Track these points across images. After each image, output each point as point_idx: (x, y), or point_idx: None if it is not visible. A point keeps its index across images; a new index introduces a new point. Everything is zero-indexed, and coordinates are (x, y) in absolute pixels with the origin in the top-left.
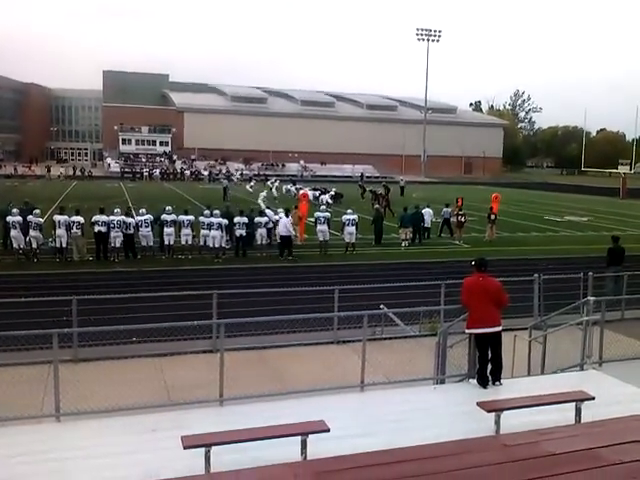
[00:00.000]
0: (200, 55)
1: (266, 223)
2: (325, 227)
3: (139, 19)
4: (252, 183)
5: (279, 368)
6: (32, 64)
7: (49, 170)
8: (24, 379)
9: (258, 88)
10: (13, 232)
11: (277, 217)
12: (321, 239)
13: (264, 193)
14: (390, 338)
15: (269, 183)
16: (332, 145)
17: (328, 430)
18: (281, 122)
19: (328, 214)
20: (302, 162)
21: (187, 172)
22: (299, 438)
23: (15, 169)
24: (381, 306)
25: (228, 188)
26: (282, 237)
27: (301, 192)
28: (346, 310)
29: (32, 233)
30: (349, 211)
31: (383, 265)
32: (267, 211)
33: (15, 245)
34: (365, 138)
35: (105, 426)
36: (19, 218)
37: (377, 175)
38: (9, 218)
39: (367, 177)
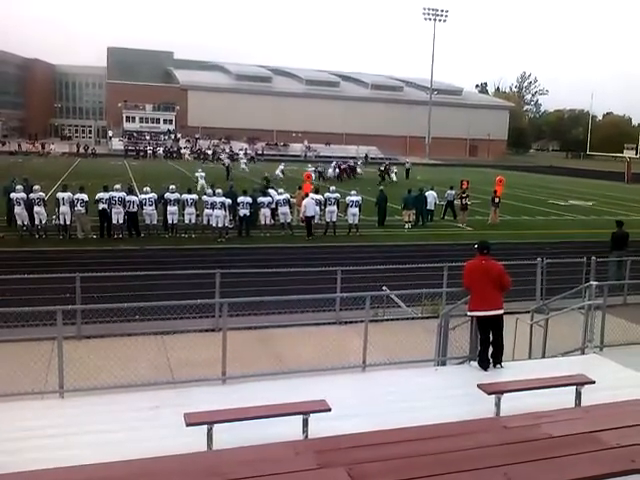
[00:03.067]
0: (205, 33)
1: (269, 203)
2: (334, 208)
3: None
4: (244, 161)
5: (281, 348)
6: (36, 40)
7: (43, 147)
8: (28, 355)
9: (263, 67)
10: (17, 209)
11: (282, 197)
12: (328, 220)
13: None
14: (392, 320)
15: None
16: (336, 125)
17: (329, 410)
18: (285, 101)
19: (338, 195)
20: (306, 142)
21: (186, 152)
22: (300, 417)
23: (19, 145)
24: (383, 288)
25: (231, 167)
26: (308, 217)
27: (305, 173)
28: (349, 291)
29: (36, 209)
30: (353, 192)
31: (386, 247)
32: (270, 191)
33: (19, 222)
34: (370, 119)
35: (108, 402)
36: (23, 195)
37: (381, 156)
38: (13, 195)
39: (371, 158)
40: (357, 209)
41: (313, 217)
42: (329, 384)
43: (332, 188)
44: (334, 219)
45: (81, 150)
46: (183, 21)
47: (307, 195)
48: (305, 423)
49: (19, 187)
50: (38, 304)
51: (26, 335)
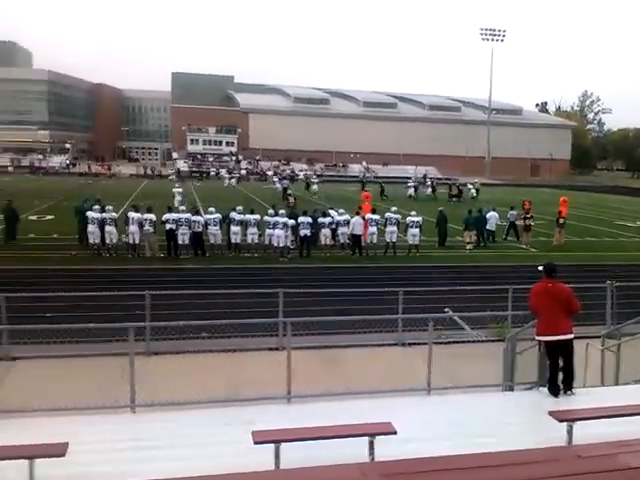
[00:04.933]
0: (264, 57)
1: (330, 223)
2: (395, 228)
3: (205, 22)
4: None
5: (345, 368)
6: (104, 65)
7: (110, 168)
8: (100, 370)
9: (320, 89)
10: (90, 227)
11: (342, 217)
12: (388, 240)
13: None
14: (456, 342)
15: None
16: (394, 146)
17: (395, 432)
18: (343, 123)
19: (399, 215)
20: (364, 163)
21: (243, 172)
22: (366, 439)
23: (89, 167)
24: (446, 309)
25: (289, 188)
26: (354, 236)
27: (364, 193)
28: (411, 312)
29: (107, 229)
30: (413, 213)
31: (447, 268)
32: (331, 211)
33: (91, 240)
34: (427, 139)
35: (178, 418)
36: (98, 214)
37: (439, 177)
38: (89, 214)
39: (430, 178)
40: (417, 229)
41: (360, 236)
42: (394, 406)
43: (393, 208)
44: (394, 239)
45: (148, 172)
46: (243, 46)
47: (357, 214)
48: (371, 445)
49: (96, 207)
50: (110, 320)
51: (98, 351)
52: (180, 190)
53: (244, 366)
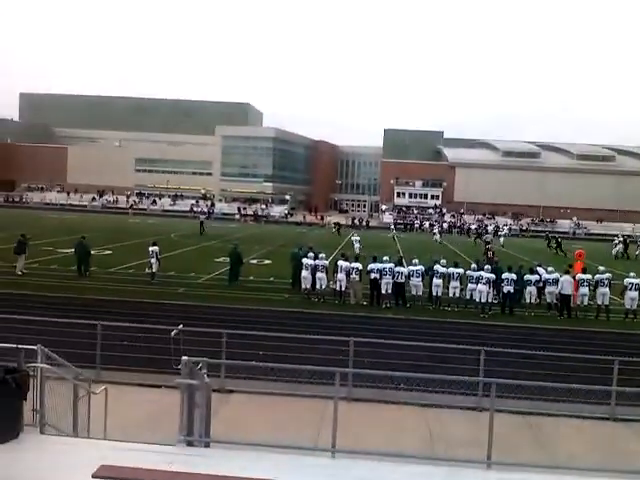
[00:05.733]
0: (473, 112)
1: (537, 281)
2: (606, 290)
3: (417, 79)
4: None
5: (548, 438)
6: (323, 124)
7: (322, 219)
8: (303, 410)
9: (531, 142)
10: (304, 273)
11: (551, 276)
12: (600, 303)
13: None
14: None
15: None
16: (610, 201)
17: None
18: (553, 177)
19: (609, 275)
20: (575, 219)
21: (445, 225)
22: None
23: (304, 217)
24: None
25: (490, 242)
26: (562, 296)
27: (577, 251)
28: (627, 385)
29: (318, 275)
30: (632, 274)
31: None
32: (539, 269)
33: (303, 285)
34: None
35: (377, 469)
36: (312, 261)
37: None
38: (305, 260)
39: None
40: (637, 293)
41: (570, 296)
42: None
43: (601, 268)
44: (606, 302)
45: (355, 222)
46: (453, 101)
47: (567, 273)
48: None
49: (311, 254)
50: (315, 363)
51: (303, 391)
52: (358, 238)
53: (440, 423)
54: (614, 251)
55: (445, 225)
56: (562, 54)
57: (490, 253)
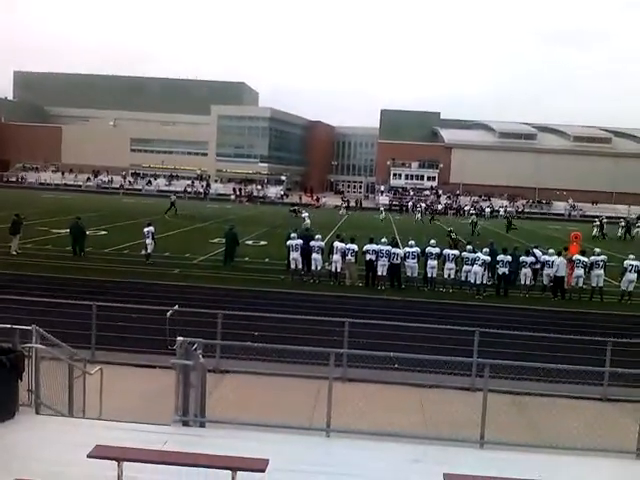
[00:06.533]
0: (470, 92)
1: (532, 263)
2: (601, 272)
3: (411, 61)
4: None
5: (538, 417)
6: (319, 104)
7: (318, 200)
8: (298, 390)
9: (528, 124)
10: (293, 254)
11: (551, 258)
12: (594, 285)
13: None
14: None
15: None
16: (605, 183)
17: None
18: (550, 159)
19: (604, 257)
20: (570, 200)
21: (440, 207)
22: None
23: (300, 198)
24: None
25: (477, 224)
26: (556, 277)
27: (573, 233)
28: (618, 366)
29: (314, 256)
30: (631, 256)
31: None
32: (536, 250)
33: (292, 266)
34: None
35: (371, 448)
36: (299, 241)
37: None
38: (290, 242)
39: None
40: (635, 275)
41: (563, 277)
42: (592, 467)
43: (597, 250)
44: (600, 284)
45: (351, 204)
46: (450, 81)
47: (559, 255)
48: None
49: (318, 236)
50: (309, 344)
51: (298, 371)
52: (307, 214)
53: (434, 403)
54: (619, 233)
55: (440, 206)
56: (557, 33)
57: (452, 235)
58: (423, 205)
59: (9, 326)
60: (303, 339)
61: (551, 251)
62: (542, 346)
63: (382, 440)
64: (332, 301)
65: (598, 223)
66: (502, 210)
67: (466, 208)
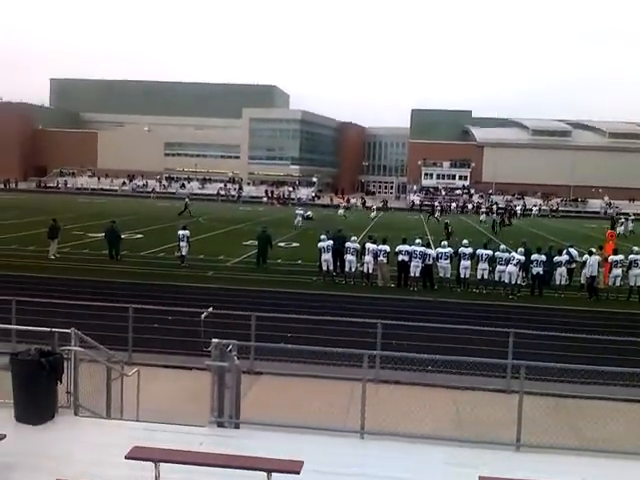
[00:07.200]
0: (503, 90)
1: (567, 262)
2: (639, 271)
3: (442, 60)
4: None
5: (581, 421)
6: (350, 105)
7: (348, 201)
8: (332, 393)
9: (562, 121)
10: (325, 256)
11: (583, 258)
12: (632, 284)
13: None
14: None
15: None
16: None
17: None
18: (585, 156)
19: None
20: (606, 198)
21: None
22: None
23: (331, 199)
24: None
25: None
26: (590, 277)
27: (608, 231)
28: None
29: (349, 258)
30: (635, 249)
31: None
32: (571, 250)
33: (324, 268)
34: None
35: (406, 450)
36: (330, 243)
37: None
38: (320, 244)
39: None
40: (620, 270)
41: (595, 277)
42: (638, 472)
43: (635, 249)
44: (639, 283)
45: (381, 205)
46: (482, 80)
47: (590, 254)
48: None
49: (353, 238)
50: (343, 345)
51: (331, 373)
52: (301, 212)
53: (468, 405)
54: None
55: (470, 206)
56: (592, 29)
57: (449, 229)
58: (453, 205)
59: (48, 329)
60: (336, 340)
61: (593, 249)
62: (579, 347)
63: (416, 442)
64: (364, 302)
65: (623, 221)
66: (535, 209)
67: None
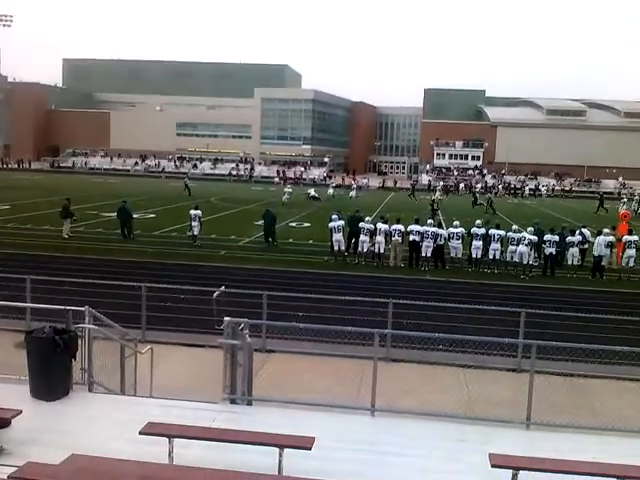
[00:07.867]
0: (518, 69)
1: (579, 242)
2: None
3: (454, 39)
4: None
5: (594, 400)
6: (362, 84)
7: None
8: (343, 370)
9: (577, 100)
10: (336, 236)
11: (606, 238)
12: (631, 264)
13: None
14: None
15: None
16: None
17: None
18: (600, 135)
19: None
20: (620, 178)
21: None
22: None
23: (343, 179)
24: None
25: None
26: (595, 257)
27: (622, 212)
28: None
29: (362, 238)
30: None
31: None
32: (584, 230)
33: (336, 248)
34: None
35: (415, 428)
36: (341, 222)
37: None
38: (331, 224)
39: None
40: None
41: (601, 257)
42: None
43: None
44: None
45: (388, 184)
46: (497, 58)
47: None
48: None
49: (368, 218)
50: (354, 324)
51: (342, 351)
52: (290, 190)
53: (479, 384)
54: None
55: (478, 186)
56: (605, 7)
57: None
58: (462, 185)
59: (63, 307)
60: (347, 319)
61: (606, 231)
62: (590, 327)
63: (426, 420)
64: (375, 282)
65: (638, 198)
66: (544, 189)
67: (478, 186)
